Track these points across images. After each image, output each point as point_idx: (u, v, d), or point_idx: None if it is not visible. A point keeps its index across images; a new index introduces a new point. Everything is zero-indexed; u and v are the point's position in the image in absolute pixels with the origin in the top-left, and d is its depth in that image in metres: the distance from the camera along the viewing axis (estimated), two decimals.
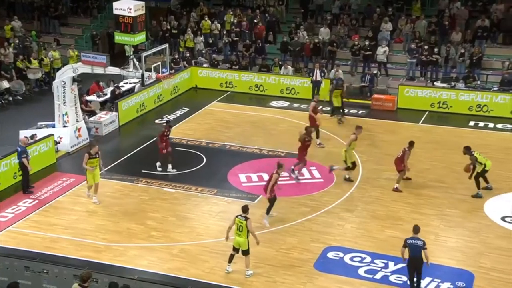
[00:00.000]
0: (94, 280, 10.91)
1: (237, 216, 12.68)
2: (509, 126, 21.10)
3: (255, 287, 12.52)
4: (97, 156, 15.55)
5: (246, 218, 12.54)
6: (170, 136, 17.89)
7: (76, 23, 30.72)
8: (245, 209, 12.73)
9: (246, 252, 12.67)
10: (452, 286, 12.42)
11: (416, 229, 12.09)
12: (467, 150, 16.21)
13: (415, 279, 12.07)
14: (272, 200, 14.79)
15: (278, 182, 14.82)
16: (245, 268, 12.80)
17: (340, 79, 22.18)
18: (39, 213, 15.47)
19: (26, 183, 16.48)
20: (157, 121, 21.66)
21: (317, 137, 19.17)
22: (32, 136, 18.14)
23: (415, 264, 11.92)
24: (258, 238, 12.70)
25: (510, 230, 14.67)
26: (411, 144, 16.44)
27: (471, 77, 23.49)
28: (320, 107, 20.41)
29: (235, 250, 12.77)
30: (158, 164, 17.56)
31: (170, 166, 17.45)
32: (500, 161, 18.26)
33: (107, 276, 10.97)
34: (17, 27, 27.47)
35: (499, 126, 21.14)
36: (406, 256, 11.92)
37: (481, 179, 16.11)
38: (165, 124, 18.00)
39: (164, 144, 17.30)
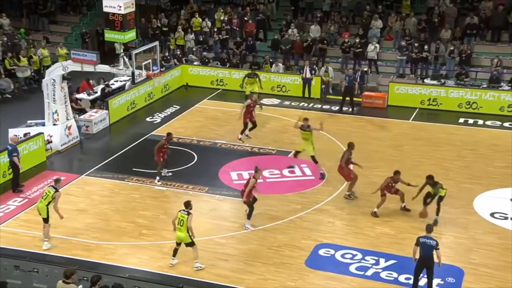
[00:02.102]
0: (85, 278, 10.88)
1: (180, 211, 12.69)
2: (498, 123, 21.25)
3: (246, 285, 12.53)
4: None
5: (188, 213, 12.58)
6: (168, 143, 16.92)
7: (65, 20, 30.57)
8: (187, 204, 12.77)
9: (190, 244, 12.74)
10: (442, 282, 12.50)
11: (429, 228, 11.95)
12: (429, 179, 14.61)
13: (422, 279, 11.88)
14: (250, 204, 14.40)
15: (268, 181, 14.79)
16: (193, 260, 12.83)
17: (351, 76, 22.14)
18: (29, 211, 15.37)
19: (16, 182, 16.37)
20: (147, 119, 21.63)
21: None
22: (25, 135, 18.03)
23: (426, 263, 11.78)
24: (194, 234, 12.70)
25: (499, 226, 14.78)
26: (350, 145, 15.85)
27: (461, 74, 23.63)
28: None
29: (178, 244, 12.84)
30: (165, 171, 16.98)
31: (165, 170, 17.07)
32: (488, 158, 18.42)
33: (97, 274, 10.93)
34: (6, 25, 27.26)
35: (488, 123, 21.28)
36: (417, 255, 11.81)
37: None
38: (165, 137, 16.91)
39: (161, 154, 16.65)
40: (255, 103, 19.71)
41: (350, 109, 22.10)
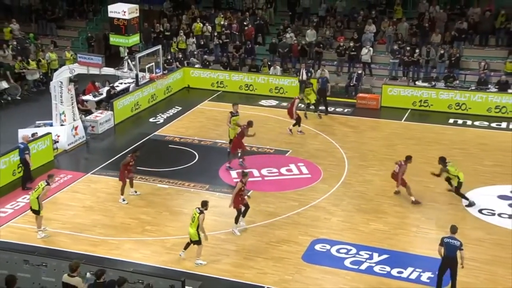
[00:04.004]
0: (91, 272, 10.84)
1: (196, 208, 12.68)
2: (485, 123, 21.23)
3: (246, 279, 12.50)
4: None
5: (201, 212, 12.53)
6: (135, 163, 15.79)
7: (72, 25, 30.51)
8: (203, 203, 12.74)
9: (196, 243, 12.71)
10: (433, 276, 12.45)
11: (454, 229, 11.71)
12: (442, 161, 15.37)
13: (444, 279, 11.70)
14: (238, 210, 13.94)
15: (267, 179, 14.70)
16: (196, 256, 12.80)
17: (324, 78, 22.20)
18: None
19: (27, 179, 16.34)
20: (151, 119, 21.59)
21: (298, 126, 19.98)
22: (33, 135, 17.99)
23: (449, 263, 11.58)
24: (206, 233, 12.64)
25: (486, 222, 14.76)
26: (408, 158, 15.65)
27: (451, 77, 23.62)
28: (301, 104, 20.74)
29: (191, 241, 12.81)
30: (132, 190, 15.71)
31: (132, 189, 15.85)
32: (477, 156, 18.40)
33: (101, 268, 10.91)
34: (16, 30, 27.21)
35: (476, 123, 21.26)
36: (442, 254, 11.55)
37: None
38: (130, 154, 15.86)
39: (126, 172, 15.45)
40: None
41: (325, 109, 21.84)
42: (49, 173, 14.39)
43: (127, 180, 15.63)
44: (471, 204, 15.33)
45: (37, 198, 13.68)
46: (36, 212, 13.82)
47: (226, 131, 20.07)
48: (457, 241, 11.59)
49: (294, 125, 19.95)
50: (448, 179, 15.58)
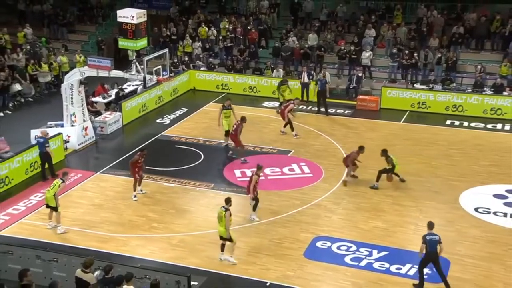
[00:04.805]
0: (100, 268, 10.87)
1: (221, 207, 12.67)
2: (481, 124, 21.17)
3: (249, 275, 12.50)
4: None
5: (226, 210, 12.54)
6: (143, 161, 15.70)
7: (83, 30, 30.53)
8: (227, 200, 12.76)
9: (228, 239, 12.66)
10: (430, 272, 12.42)
11: (431, 225, 11.91)
12: (384, 153, 16.14)
13: (428, 273, 11.87)
14: (256, 199, 14.54)
15: (270, 178, 14.76)
16: (228, 254, 12.78)
17: (323, 80, 22.13)
18: None
19: (52, 170, 16.61)
20: (158, 120, 21.61)
21: (284, 126, 19.99)
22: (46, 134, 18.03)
23: (432, 258, 11.73)
24: (229, 230, 12.63)
25: (482, 220, 14.73)
26: (361, 148, 16.53)
27: (448, 80, 23.57)
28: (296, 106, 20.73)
29: (221, 238, 12.78)
30: (139, 188, 15.68)
31: (139, 188, 15.83)
32: (473, 157, 18.36)
33: (109, 264, 10.93)
34: (29, 34, 27.31)
35: (473, 124, 21.20)
36: (423, 251, 11.73)
37: (385, 175, 16.10)
38: (139, 153, 15.91)
39: (137, 170, 15.48)
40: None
41: (325, 111, 21.82)
42: (63, 171, 14.47)
43: (138, 178, 15.66)
44: (374, 187, 15.98)
45: (54, 195, 13.78)
46: (54, 209, 13.92)
47: None
48: (436, 235, 11.77)
49: (285, 126, 19.93)
50: (390, 179, 16.10)
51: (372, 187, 16.04)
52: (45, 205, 14.19)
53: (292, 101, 20.32)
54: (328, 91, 22.14)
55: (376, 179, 16.07)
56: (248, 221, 14.46)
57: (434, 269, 11.93)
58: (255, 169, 14.60)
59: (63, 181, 13.93)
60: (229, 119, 18.52)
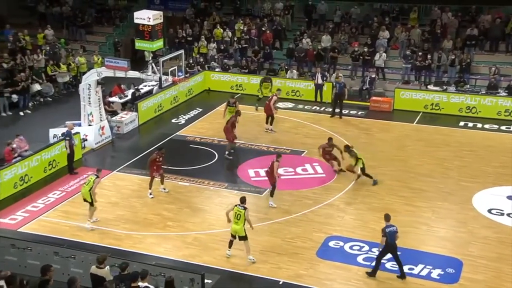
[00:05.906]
0: (116, 265, 10.97)
1: (236, 205, 12.70)
2: (495, 126, 20.96)
3: (261, 273, 12.53)
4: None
5: (245, 208, 12.59)
6: (163, 159, 15.71)
7: (100, 31, 30.77)
8: (243, 200, 12.82)
9: (243, 238, 12.69)
10: (442, 272, 12.37)
11: (388, 217, 12.22)
12: (347, 148, 16.50)
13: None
14: (274, 184, 15.11)
15: (283, 178, 14.82)
16: (246, 254, 12.81)
17: (342, 83, 21.99)
18: (67, 204, 15.56)
19: (71, 167, 17.14)
20: (173, 120, 21.73)
21: (271, 124, 20.19)
22: (63, 134, 18.22)
23: (391, 249, 12.02)
24: (252, 225, 12.82)
25: (495, 221, 14.59)
26: (329, 140, 17.00)
27: (462, 81, 23.37)
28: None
29: (233, 236, 12.82)
30: (161, 187, 15.84)
31: (162, 186, 15.95)
32: (486, 158, 18.18)
33: (125, 261, 11.02)
34: (50, 35, 27.64)
35: (486, 126, 21.00)
36: (383, 244, 12.03)
37: (348, 165, 16.47)
38: (156, 151, 15.91)
39: (155, 168, 15.57)
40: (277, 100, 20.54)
41: (339, 112, 21.76)
42: (97, 168, 14.82)
43: (158, 178, 15.77)
44: (375, 183, 16.12)
45: (89, 190, 14.00)
46: (91, 204, 14.19)
47: (244, 132, 20.22)
48: (394, 226, 12.04)
49: (267, 122, 20.19)
50: (351, 168, 16.35)
51: (374, 184, 16.18)
52: (84, 200, 14.37)
53: (274, 94, 20.43)
54: (346, 94, 21.97)
55: (368, 177, 16.22)
56: (261, 220, 14.49)
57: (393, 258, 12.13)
58: (275, 158, 15.15)
59: (97, 177, 14.17)
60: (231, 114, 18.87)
